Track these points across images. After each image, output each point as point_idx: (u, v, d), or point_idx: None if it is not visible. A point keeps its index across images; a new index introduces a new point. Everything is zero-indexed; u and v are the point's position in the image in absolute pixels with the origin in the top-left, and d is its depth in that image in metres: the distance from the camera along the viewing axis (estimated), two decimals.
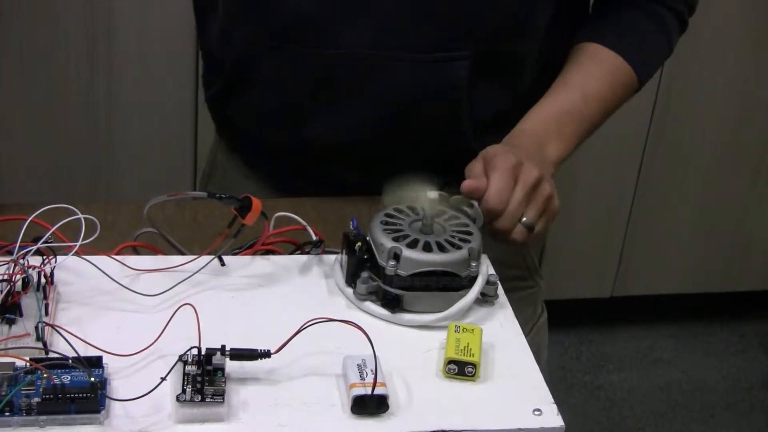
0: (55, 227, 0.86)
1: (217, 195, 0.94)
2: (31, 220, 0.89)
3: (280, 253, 0.96)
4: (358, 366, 0.78)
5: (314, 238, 0.96)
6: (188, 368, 0.77)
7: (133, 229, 0.98)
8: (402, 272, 0.87)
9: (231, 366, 0.78)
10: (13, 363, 0.76)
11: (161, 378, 0.76)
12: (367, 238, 0.91)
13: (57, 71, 2.18)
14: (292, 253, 0.97)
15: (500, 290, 0.92)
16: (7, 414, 0.72)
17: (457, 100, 1.12)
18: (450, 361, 0.81)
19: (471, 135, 1.15)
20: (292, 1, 1.07)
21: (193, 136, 2.35)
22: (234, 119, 1.23)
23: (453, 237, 0.90)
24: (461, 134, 1.15)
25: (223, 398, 0.74)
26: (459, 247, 0.89)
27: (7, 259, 0.85)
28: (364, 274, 0.89)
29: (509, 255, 1.11)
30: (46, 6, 2.08)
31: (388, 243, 0.88)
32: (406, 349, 0.85)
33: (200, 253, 0.93)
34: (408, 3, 1.06)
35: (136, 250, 0.95)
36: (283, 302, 0.90)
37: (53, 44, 2.11)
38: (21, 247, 0.85)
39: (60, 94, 2.22)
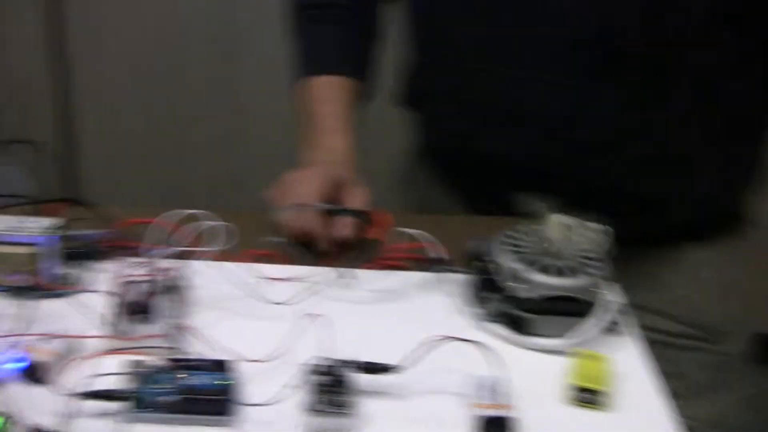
0: (192, 232, 0.89)
1: (346, 208, 0.96)
2: (168, 224, 0.91)
3: (406, 270, 0.97)
4: (485, 386, 0.78)
5: (442, 255, 0.96)
6: (316, 378, 0.78)
7: (262, 236, 1.00)
8: (529, 295, 0.87)
9: (359, 378, 0.79)
10: (150, 361, 0.78)
11: (290, 386, 0.77)
12: (495, 259, 0.91)
13: (183, 80, 2.24)
14: (418, 270, 0.97)
15: (631, 320, 0.91)
16: (139, 411, 0.74)
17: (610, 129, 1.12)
18: (577, 388, 0.80)
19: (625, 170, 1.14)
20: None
21: None
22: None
23: (582, 262, 0.90)
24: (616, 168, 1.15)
25: (351, 410, 0.75)
26: (588, 273, 0.88)
27: (146, 260, 0.88)
28: (490, 295, 0.89)
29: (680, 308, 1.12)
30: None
31: (509, 263, 0.88)
32: (530, 372, 0.84)
33: (329, 265, 0.94)
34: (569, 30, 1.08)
35: (265, 258, 0.97)
36: (409, 318, 0.90)
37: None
38: (159, 250, 0.87)
39: (186, 100, 2.28)
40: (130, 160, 2.39)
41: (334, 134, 1.18)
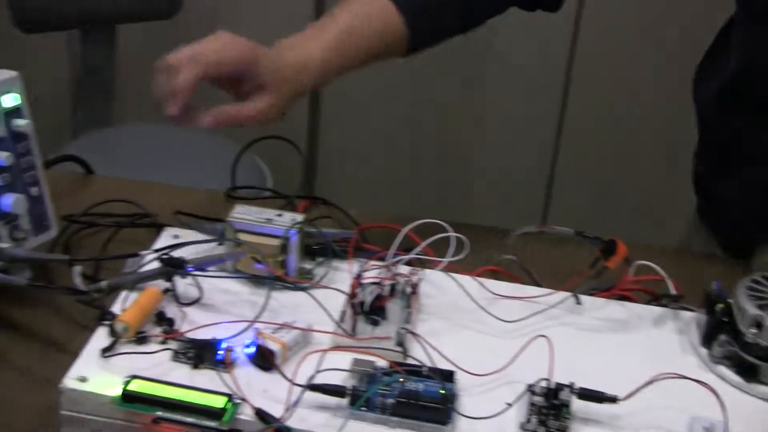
0: (427, 241, 0.91)
1: (584, 234, 0.95)
2: (404, 231, 0.93)
3: (636, 301, 0.96)
4: (706, 429, 0.77)
5: (673, 291, 0.94)
6: (535, 399, 0.78)
7: (494, 253, 1.01)
8: (763, 342, 0.85)
9: (576, 404, 0.79)
10: (374, 362, 0.80)
11: (507, 403, 0.78)
12: (730, 301, 0.88)
13: (423, 90, 2.28)
14: (648, 303, 0.96)
15: None
16: (363, 409, 0.76)
17: None
18: None
19: None
20: None
21: (548, 174, 2.38)
22: (723, 195, 1.23)
23: None
24: None
25: None
26: None
27: (380, 264, 0.91)
28: (722, 338, 0.87)
29: None
30: None
31: (752, 310, 0.86)
32: (754, 421, 0.82)
33: (558, 288, 0.94)
34: None
35: (495, 275, 0.98)
36: (633, 350, 0.89)
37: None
38: (394, 255, 0.90)
39: (427, 111, 2.32)
40: (369, 162, 2.45)
41: (319, 38, 1.05)
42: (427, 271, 0.94)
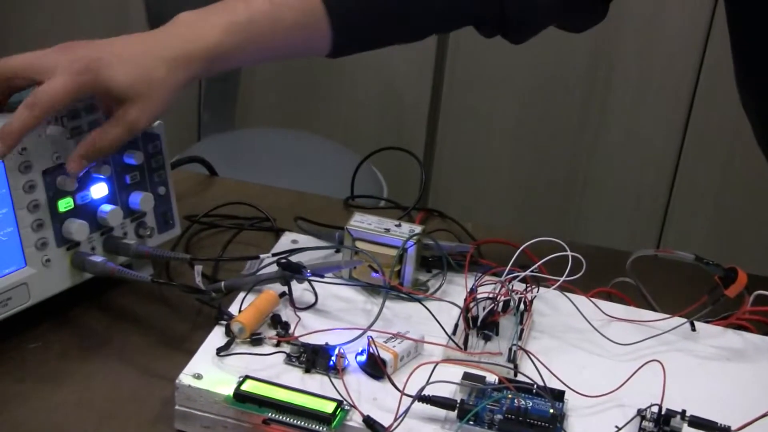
0: (544, 260, 0.91)
1: (704, 259, 0.94)
2: (521, 249, 0.93)
3: (753, 331, 0.94)
4: None
5: None
6: (645, 424, 0.77)
7: (609, 274, 1.00)
8: None
9: (684, 431, 0.77)
10: (485, 377, 0.81)
11: (617, 427, 0.77)
12: None
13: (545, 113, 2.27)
14: (766, 334, 0.94)
15: None
16: (471, 423, 0.77)
17: None
18: None
19: None
20: None
21: (666, 196, 2.34)
22: None
23: None
24: None
25: None
26: None
27: (495, 279, 0.91)
28: None
29: None
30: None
31: None
32: None
33: (673, 314, 0.93)
34: None
35: (609, 296, 0.97)
36: (749, 381, 0.87)
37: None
38: (510, 272, 0.90)
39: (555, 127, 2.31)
40: (483, 175, 2.45)
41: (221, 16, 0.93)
42: (542, 289, 0.94)
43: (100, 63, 0.87)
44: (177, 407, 0.81)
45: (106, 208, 0.95)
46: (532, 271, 0.91)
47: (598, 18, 1.05)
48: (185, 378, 0.81)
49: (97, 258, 0.93)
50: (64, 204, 0.92)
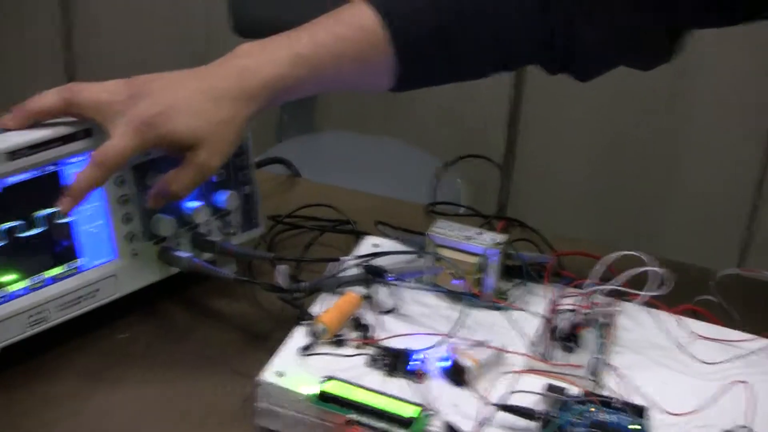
0: (628, 273, 0.89)
1: None
2: (604, 262, 0.92)
3: None
4: None
5: None
6: None
7: (691, 291, 0.99)
8: None
9: None
10: (566, 389, 0.80)
11: None
12: None
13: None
14: None
15: None
16: None
17: None
18: None
19: None
20: None
21: (749, 210, 2.31)
22: None
23: None
24: None
25: None
26: None
27: (578, 291, 0.90)
28: None
29: None
30: None
31: None
32: None
33: (761, 334, 0.92)
34: None
35: (695, 314, 0.96)
36: None
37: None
38: (592, 284, 0.89)
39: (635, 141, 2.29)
40: (563, 186, 2.44)
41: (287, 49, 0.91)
42: (625, 303, 0.93)
43: (161, 118, 0.87)
44: (258, 404, 0.82)
45: (193, 204, 0.96)
46: (615, 285, 0.90)
47: (663, 58, 1.01)
48: (268, 375, 0.81)
49: (183, 253, 0.95)
50: None
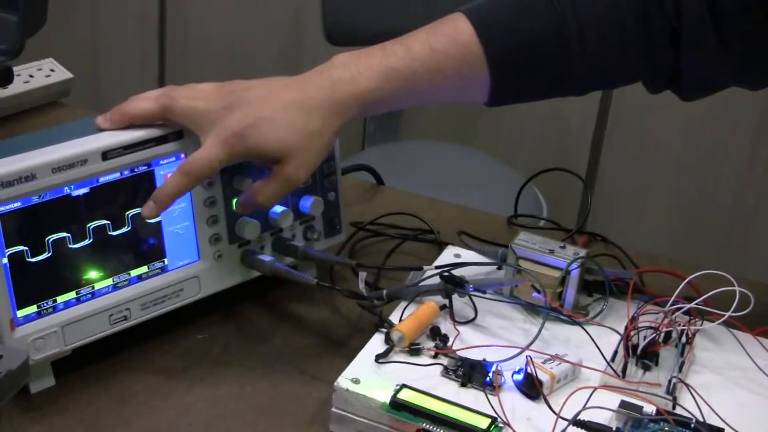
0: (711, 293, 0.89)
1: None
2: (687, 281, 0.92)
3: None
4: None
5: None
6: None
7: None
8: None
9: None
10: (642, 407, 0.79)
11: None
12: None
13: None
14: None
15: None
16: None
17: None
18: None
19: None
20: None
21: None
22: None
23: None
24: None
25: None
26: None
27: (658, 309, 0.90)
28: None
29: None
30: None
31: None
32: None
33: None
34: None
35: None
36: None
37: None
38: (674, 303, 0.89)
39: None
40: (645, 202, 2.41)
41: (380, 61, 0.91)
42: (706, 323, 0.92)
43: (251, 130, 0.88)
44: (333, 409, 0.83)
45: (278, 209, 0.97)
46: (697, 304, 0.89)
47: None
48: (344, 381, 0.82)
49: (266, 257, 0.96)
50: None
